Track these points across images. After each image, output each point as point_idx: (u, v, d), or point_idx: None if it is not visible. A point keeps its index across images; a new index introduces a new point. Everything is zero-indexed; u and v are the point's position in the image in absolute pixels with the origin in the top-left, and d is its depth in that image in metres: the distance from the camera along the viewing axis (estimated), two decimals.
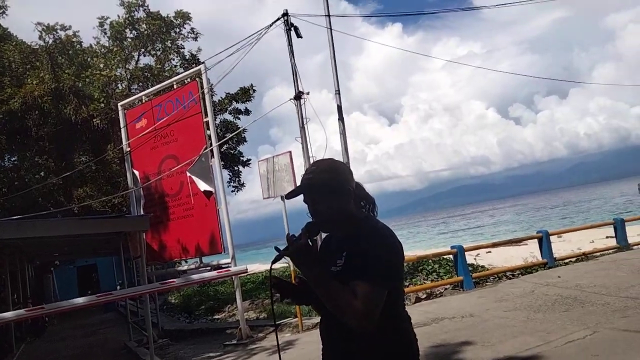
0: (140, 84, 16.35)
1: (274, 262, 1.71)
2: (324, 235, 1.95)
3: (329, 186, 1.72)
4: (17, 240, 9.18)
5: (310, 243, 1.68)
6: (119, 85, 16.59)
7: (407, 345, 1.67)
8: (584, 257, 10.67)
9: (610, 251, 11.01)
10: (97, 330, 12.97)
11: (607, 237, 15.18)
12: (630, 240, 11.43)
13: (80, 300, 6.89)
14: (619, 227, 11.45)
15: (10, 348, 10.57)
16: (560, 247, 13.53)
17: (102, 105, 14.88)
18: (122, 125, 10.11)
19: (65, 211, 13.98)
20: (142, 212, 9.56)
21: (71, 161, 15.72)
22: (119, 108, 10.25)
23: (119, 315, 15.02)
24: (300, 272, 1.67)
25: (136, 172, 9.84)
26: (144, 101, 9.93)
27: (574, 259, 10.62)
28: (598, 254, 10.94)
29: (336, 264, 1.69)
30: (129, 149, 10.00)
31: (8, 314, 6.91)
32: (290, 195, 1.81)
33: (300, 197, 1.81)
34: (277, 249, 1.68)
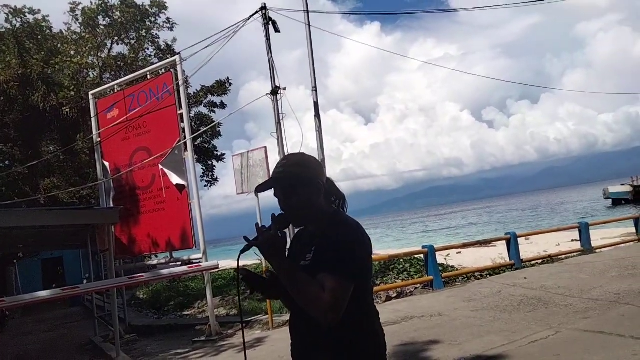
0: (113, 73, 15.94)
1: (242, 252, 1.69)
2: (296, 230, 1.94)
3: (300, 180, 1.71)
4: None
5: (280, 235, 1.66)
6: (90, 73, 16.15)
7: (374, 340, 1.68)
8: (550, 259, 10.97)
9: (575, 254, 11.36)
10: (61, 325, 12.62)
11: (572, 241, 15.66)
12: (594, 243, 11.82)
13: (43, 293, 6.69)
14: (584, 230, 11.82)
15: None
16: (528, 249, 13.87)
17: (72, 93, 14.43)
18: (92, 114, 9.84)
19: (30, 202, 13.52)
20: (111, 205, 9.33)
21: (38, 150, 15.22)
22: (90, 97, 9.97)
23: (85, 310, 14.66)
24: (268, 264, 1.65)
25: (106, 164, 9.59)
26: (116, 91, 9.68)
27: (540, 261, 10.91)
28: (563, 256, 11.27)
29: (305, 258, 1.69)
30: (99, 140, 9.74)
31: None
32: (261, 188, 1.80)
33: (272, 194, 1.79)
34: (246, 238, 1.68)
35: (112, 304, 8.15)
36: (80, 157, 15.61)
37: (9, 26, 15.48)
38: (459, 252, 16.61)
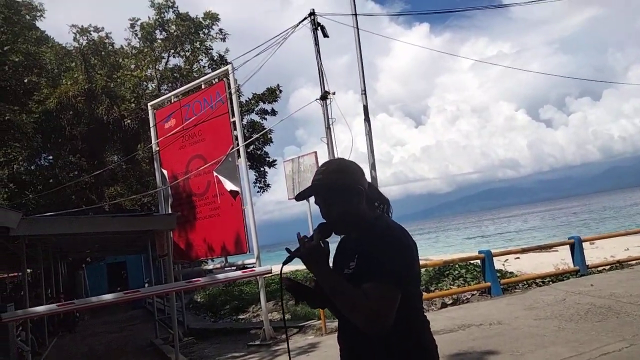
0: (170, 84, 16.66)
1: (284, 263, 1.68)
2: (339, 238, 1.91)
3: (339, 186, 1.67)
4: (51, 236, 9.46)
5: (323, 245, 1.64)
6: (149, 85, 16.96)
7: (424, 350, 1.61)
8: (619, 265, 10.27)
9: None
10: (125, 327, 13.24)
11: None
12: None
13: (108, 297, 7.04)
14: None
15: (44, 342, 10.90)
16: (593, 254, 13.06)
17: (133, 105, 15.22)
18: (151, 124, 10.30)
19: (96, 209, 14.35)
20: (169, 211, 9.70)
21: (103, 160, 16.15)
22: (149, 108, 10.45)
23: (146, 312, 15.30)
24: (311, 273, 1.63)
25: (164, 172, 10.00)
26: (172, 101, 10.09)
27: (607, 267, 10.24)
28: (634, 262, 10.51)
29: (349, 267, 1.65)
30: (157, 149, 10.18)
31: (41, 308, 7.12)
32: (300, 197, 1.78)
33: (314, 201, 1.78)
34: (288, 250, 1.66)
35: (172, 308, 8.43)
36: (140, 165, 16.40)
37: (76, 44, 16.58)
38: (518, 258, 15.92)
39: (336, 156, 8.94)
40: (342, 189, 1.68)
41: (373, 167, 9.63)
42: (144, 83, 16.46)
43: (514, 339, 5.60)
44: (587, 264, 9.95)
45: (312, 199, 1.77)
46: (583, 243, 10.15)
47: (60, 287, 14.94)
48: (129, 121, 15.04)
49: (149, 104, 10.69)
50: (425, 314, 1.71)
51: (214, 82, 9.56)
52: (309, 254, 1.60)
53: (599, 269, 10.14)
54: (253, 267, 8.31)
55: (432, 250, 36.15)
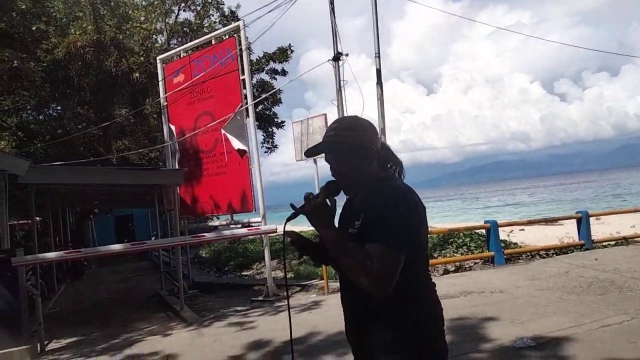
0: (179, 38, 16.36)
1: (288, 219, 1.64)
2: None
3: (351, 144, 1.61)
4: (59, 185, 9.54)
5: (329, 203, 1.59)
6: (158, 39, 16.66)
7: (428, 312, 1.58)
8: (624, 241, 10.25)
9: None
10: (131, 277, 13.55)
11: None
12: None
13: (116, 247, 7.15)
14: None
15: (53, 287, 11.20)
16: (598, 229, 12.99)
17: (142, 58, 15.00)
18: (160, 78, 10.17)
19: (104, 161, 14.41)
20: (176, 167, 9.71)
21: (111, 113, 16.07)
22: (158, 62, 10.28)
23: (152, 265, 15.63)
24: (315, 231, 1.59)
25: (172, 127, 9.94)
26: (182, 56, 9.90)
27: (612, 243, 10.22)
28: (639, 239, 10.48)
29: (354, 226, 1.59)
30: (165, 103, 10.08)
31: (50, 255, 7.27)
32: (310, 152, 1.72)
33: (324, 159, 1.71)
34: (293, 206, 1.61)
35: (177, 261, 8.58)
36: (148, 120, 16.35)
37: None
38: (522, 230, 15.93)
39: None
40: (353, 147, 1.61)
41: (383, 132, 9.50)
42: (153, 36, 16.16)
43: (515, 308, 5.64)
44: (592, 238, 9.93)
45: (321, 158, 1.71)
46: (590, 218, 10.09)
47: (68, 236, 15.23)
48: (137, 74, 14.85)
49: (158, 58, 10.51)
50: (431, 278, 1.68)
51: (224, 38, 9.32)
52: (314, 211, 1.55)
53: (604, 244, 10.13)
54: (258, 225, 8.35)
55: (437, 219, 36.31)
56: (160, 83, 10.18)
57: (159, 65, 10.23)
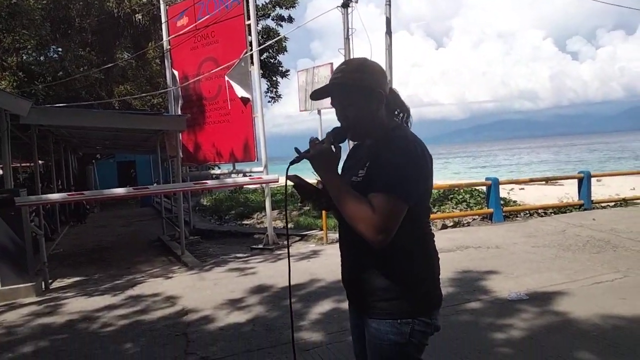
0: None
1: (291, 163, 1.60)
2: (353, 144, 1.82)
3: (358, 87, 1.55)
4: (61, 127, 9.50)
5: (334, 149, 1.55)
6: None
7: (427, 263, 1.59)
8: (623, 202, 10.29)
9: None
10: (133, 222, 13.76)
11: None
12: None
13: (119, 190, 7.21)
14: None
15: (56, 229, 11.40)
16: (598, 191, 13.02)
17: (144, 0, 14.51)
18: (163, 20, 9.87)
19: (106, 105, 14.25)
20: (179, 113, 9.62)
21: (113, 56, 15.74)
22: (161, 3, 9.94)
23: (154, 211, 15.83)
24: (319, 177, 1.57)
25: (175, 72, 9.76)
26: None
27: (611, 204, 10.27)
28: (638, 201, 10.52)
29: (358, 174, 1.57)
30: (169, 47, 9.84)
31: (54, 196, 7.35)
32: (316, 94, 1.64)
33: (330, 103, 1.66)
34: (297, 150, 1.57)
35: (179, 207, 8.68)
36: (151, 65, 16.03)
37: None
38: (522, 189, 16.00)
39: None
40: (361, 91, 1.55)
41: (390, 84, 9.33)
42: None
43: (511, 263, 5.74)
44: (591, 199, 9.97)
45: (326, 110, 1.65)
46: (591, 178, 10.08)
47: (71, 180, 15.34)
48: (140, 16, 14.40)
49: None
50: (431, 228, 1.67)
51: None
52: (319, 156, 1.52)
53: (603, 205, 10.18)
54: (260, 175, 8.37)
55: (438, 176, 36.38)
56: (164, 25, 9.90)
57: (162, 7, 9.91)
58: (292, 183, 1.75)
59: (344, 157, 1.74)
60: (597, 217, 8.55)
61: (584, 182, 9.94)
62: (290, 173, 1.66)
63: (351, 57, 8.56)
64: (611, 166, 37.77)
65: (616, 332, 3.48)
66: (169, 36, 9.78)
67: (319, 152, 1.52)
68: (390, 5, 8.92)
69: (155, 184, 14.90)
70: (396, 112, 1.67)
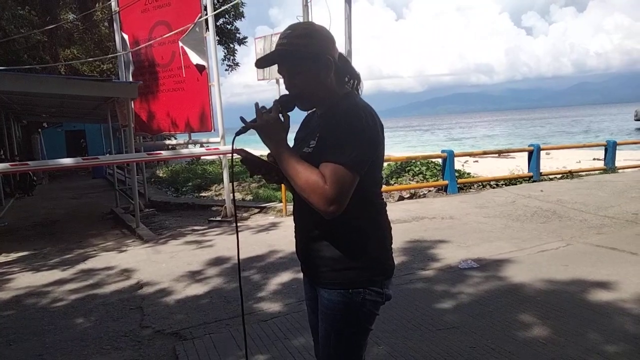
0: None
1: (237, 134, 1.52)
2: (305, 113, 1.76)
3: (305, 54, 1.48)
4: (2, 93, 8.87)
5: (283, 119, 1.49)
6: None
7: (378, 232, 1.58)
8: (569, 174, 10.82)
9: (596, 172, 11.17)
10: (85, 194, 13.24)
11: (594, 159, 15.35)
12: (617, 164, 11.54)
13: (66, 160, 6.86)
14: (610, 149, 11.48)
15: (0, 202, 10.80)
16: (547, 164, 13.64)
17: None
18: None
19: (51, 70, 13.39)
20: (130, 80, 9.17)
21: (56, 17, 14.70)
22: None
23: (107, 183, 15.28)
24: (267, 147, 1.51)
25: (125, 36, 9.25)
26: None
27: (558, 176, 10.78)
28: (584, 173, 11.10)
29: (309, 145, 1.53)
30: (117, 9, 9.28)
31: None
32: (261, 63, 1.57)
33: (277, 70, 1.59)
34: (242, 119, 1.50)
35: (132, 178, 8.38)
36: (99, 28, 15.13)
37: None
38: (476, 161, 16.54)
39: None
40: (308, 57, 1.48)
41: (349, 54, 9.22)
42: None
43: (463, 233, 5.95)
44: (540, 171, 10.42)
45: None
46: (540, 152, 10.51)
47: (15, 150, 14.49)
48: None
49: None
50: (382, 198, 1.66)
51: None
52: (266, 126, 1.45)
53: (551, 177, 10.66)
54: (218, 146, 8.18)
55: (397, 148, 36.97)
56: None
57: None
58: (239, 157, 1.68)
59: (296, 127, 1.69)
60: (545, 189, 8.96)
61: (533, 155, 10.35)
62: (238, 145, 1.59)
63: None
64: (562, 140, 39.57)
65: (558, 297, 3.69)
66: None
67: (266, 122, 1.45)
68: None
69: (107, 154, 14.33)
70: (346, 79, 1.62)
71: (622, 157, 13.24)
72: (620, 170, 11.32)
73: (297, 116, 1.69)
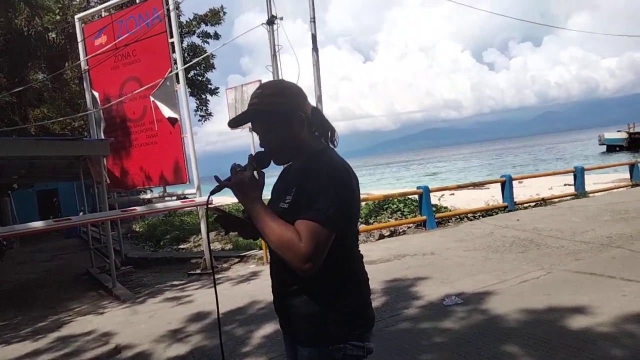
0: None
1: (211, 193, 1.54)
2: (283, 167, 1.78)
3: (277, 112, 1.51)
4: None
5: (257, 175, 1.51)
6: None
7: (356, 288, 1.56)
8: (543, 202, 11.06)
9: (568, 198, 11.45)
10: (58, 255, 12.81)
11: (565, 185, 15.78)
12: (587, 188, 11.88)
13: (36, 224, 6.65)
14: (579, 175, 11.84)
15: None
16: (521, 192, 13.94)
17: (58, 17, 13.70)
18: (79, 39, 9.37)
19: (20, 131, 13.21)
20: (102, 137, 9.12)
21: (25, 78, 14.66)
22: (76, 21, 9.45)
23: (81, 242, 14.85)
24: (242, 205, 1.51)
25: (95, 93, 9.27)
26: (103, 15, 9.17)
27: (532, 204, 10.99)
28: (556, 200, 11.36)
29: (285, 200, 1.52)
30: (87, 67, 9.34)
31: None
32: (234, 123, 1.59)
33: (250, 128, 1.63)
34: (217, 178, 1.51)
35: (107, 236, 8.17)
36: (70, 86, 15.13)
37: None
38: (452, 194, 16.76)
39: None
40: (280, 115, 1.52)
41: (319, 100, 9.44)
42: None
43: (445, 268, 5.94)
44: (515, 200, 10.62)
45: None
46: (513, 181, 10.76)
47: None
48: (54, 35, 13.57)
49: (76, 17, 9.65)
50: (359, 249, 1.64)
51: None
52: (240, 184, 1.46)
53: (525, 205, 10.87)
54: (194, 197, 8.10)
55: (374, 186, 37.28)
56: (80, 45, 9.39)
57: (77, 25, 9.41)
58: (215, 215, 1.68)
59: (272, 182, 1.70)
60: (521, 218, 9.11)
61: (506, 185, 10.58)
62: (219, 195, 1.59)
63: (279, 74, 8.58)
64: (535, 168, 40.57)
65: (544, 327, 3.68)
66: (86, 56, 9.30)
67: (240, 181, 1.47)
68: (314, 22, 9.05)
69: (81, 213, 14.01)
70: (321, 132, 1.65)
71: (592, 181, 13.66)
72: (590, 195, 11.63)
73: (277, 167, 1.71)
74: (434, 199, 10.40)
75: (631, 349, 3.13)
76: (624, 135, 42.54)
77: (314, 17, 8.99)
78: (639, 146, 40.08)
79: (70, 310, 6.42)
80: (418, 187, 9.86)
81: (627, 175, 13.40)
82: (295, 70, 8.55)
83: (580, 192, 11.61)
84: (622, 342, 3.23)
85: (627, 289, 4.28)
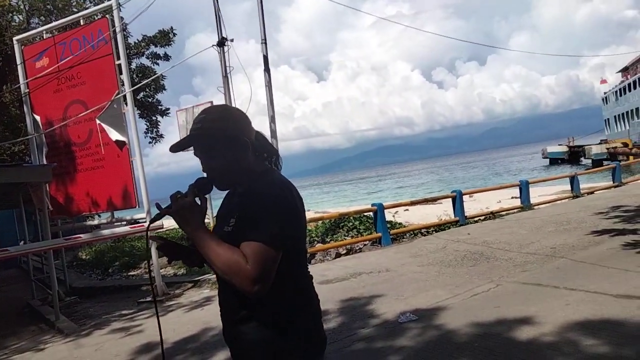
0: (42, 17, 14.52)
1: (152, 221, 1.52)
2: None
3: (221, 137, 1.49)
4: None
5: (200, 201, 1.48)
6: (15, 17, 14.61)
7: (306, 308, 1.55)
8: (492, 215, 11.46)
9: (515, 211, 11.92)
10: None
11: (512, 198, 16.45)
12: (532, 201, 12.43)
13: None
14: (524, 188, 12.38)
15: None
16: (471, 206, 14.42)
17: None
18: (18, 62, 8.95)
19: None
20: (44, 162, 8.69)
21: None
22: (15, 43, 9.03)
23: (22, 272, 13.94)
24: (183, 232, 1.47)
25: (37, 117, 8.84)
26: (45, 37, 8.82)
27: (482, 218, 11.37)
28: (504, 213, 11.80)
29: (229, 224, 1.50)
30: (27, 90, 8.92)
31: None
32: (176, 147, 1.56)
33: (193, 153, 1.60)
34: (158, 206, 1.47)
35: (50, 266, 7.71)
36: (9, 110, 14.38)
37: None
38: (407, 210, 17.08)
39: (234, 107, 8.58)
40: (224, 140, 1.50)
41: (273, 120, 9.44)
42: (9, 14, 14.12)
43: (400, 284, 6.00)
44: (465, 214, 10.95)
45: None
46: (463, 196, 11.11)
47: None
48: None
49: (14, 39, 9.23)
50: (308, 269, 1.63)
51: (95, 18, 8.50)
52: (181, 211, 1.43)
53: (475, 219, 11.22)
54: (143, 221, 7.82)
55: (330, 204, 37.47)
56: (19, 67, 8.96)
57: (16, 47, 8.99)
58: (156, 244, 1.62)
59: (219, 204, 1.66)
60: (472, 232, 9.38)
61: (457, 200, 10.90)
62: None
63: (231, 94, 8.54)
64: (484, 182, 42.13)
65: (493, 340, 3.76)
66: (26, 79, 8.89)
67: (181, 207, 1.44)
68: (266, 43, 9.10)
69: (22, 242, 13.20)
70: (265, 156, 1.64)
71: (537, 194, 14.32)
72: (535, 207, 12.17)
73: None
74: (389, 215, 10.55)
75: (574, 357, 3.25)
76: (564, 148, 45.21)
77: (264, 39, 9.04)
78: (578, 159, 42.66)
79: (6, 348, 5.98)
80: (373, 204, 9.98)
81: (569, 187, 14.14)
82: (248, 90, 8.54)
83: (526, 204, 12.13)
84: (565, 351, 3.35)
85: (570, 298, 4.47)
